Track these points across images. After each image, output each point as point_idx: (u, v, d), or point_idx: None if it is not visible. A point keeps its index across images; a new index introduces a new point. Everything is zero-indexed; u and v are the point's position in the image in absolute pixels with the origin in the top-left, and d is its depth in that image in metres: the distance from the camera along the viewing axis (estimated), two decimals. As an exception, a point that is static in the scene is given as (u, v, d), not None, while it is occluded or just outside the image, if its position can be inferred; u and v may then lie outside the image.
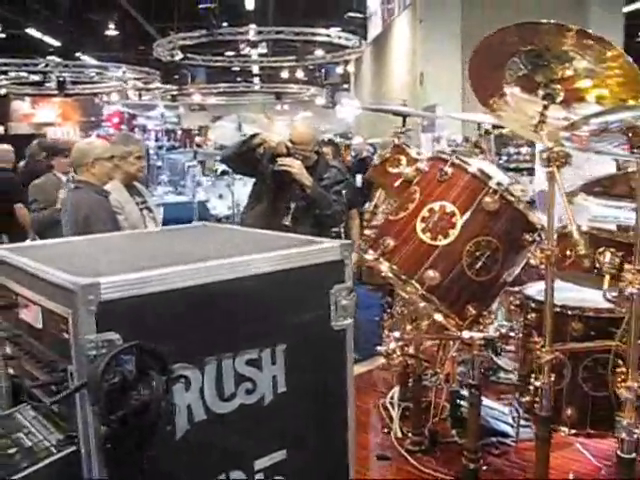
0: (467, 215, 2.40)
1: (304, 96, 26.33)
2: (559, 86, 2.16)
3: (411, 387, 3.43)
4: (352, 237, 5.53)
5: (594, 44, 1.98)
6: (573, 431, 2.61)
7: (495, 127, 6.56)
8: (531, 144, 7.53)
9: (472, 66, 2.33)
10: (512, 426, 3.33)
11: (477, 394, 2.54)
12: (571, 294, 2.62)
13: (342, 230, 5.41)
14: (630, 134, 1.75)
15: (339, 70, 22.06)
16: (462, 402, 3.47)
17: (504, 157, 8.15)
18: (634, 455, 1.91)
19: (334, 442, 1.80)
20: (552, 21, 1.97)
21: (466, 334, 2.44)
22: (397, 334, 3.26)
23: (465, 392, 3.51)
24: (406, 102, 5.37)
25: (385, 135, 13.65)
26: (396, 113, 3.47)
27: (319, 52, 20.02)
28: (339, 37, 18.08)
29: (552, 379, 2.13)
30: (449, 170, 2.48)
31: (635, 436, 1.89)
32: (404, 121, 3.38)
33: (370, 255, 2.53)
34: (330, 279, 1.75)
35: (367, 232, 2.69)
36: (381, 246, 2.49)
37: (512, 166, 7.81)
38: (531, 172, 7.06)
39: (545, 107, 2.15)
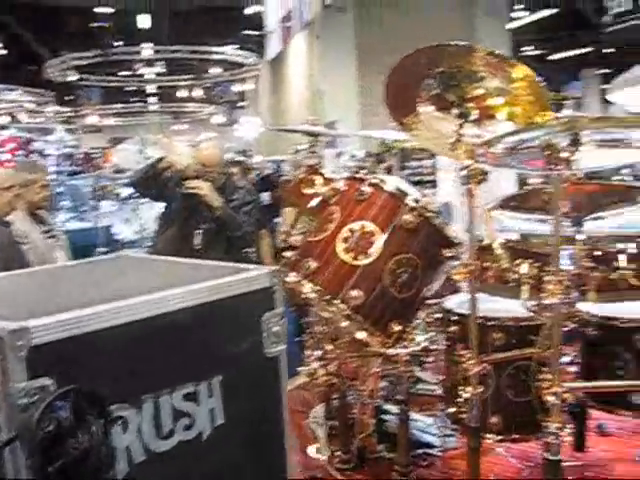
0: (387, 233, 2.43)
1: (202, 115, 26.16)
2: (472, 104, 2.22)
3: (336, 405, 3.44)
4: (263, 257, 5.51)
5: (502, 64, 2.06)
6: (499, 437, 2.68)
7: (396, 142, 6.72)
8: (432, 157, 7.74)
9: (388, 86, 2.37)
10: (437, 436, 3.40)
11: (405, 409, 2.56)
12: (489, 305, 2.68)
13: (253, 251, 5.38)
14: (547, 151, 1.81)
15: (237, 88, 22.05)
16: (387, 417, 3.51)
17: (408, 171, 8.34)
18: (560, 457, 1.97)
19: (273, 469, 1.78)
20: (462, 43, 2.04)
21: (392, 351, 2.46)
22: (319, 353, 3.28)
23: (389, 407, 3.56)
24: (317, 121, 5.39)
25: (284, 153, 13.75)
26: (308, 133, 3.47)
27: (216, 70, 19.96)
28: (236, 55, 18.08)
29: (481, 390, 2.17)
30: (367, 189, 2.51)
31: (561, 439, 1.95)
32: (316, 140, 3.39)
33: (292, 277, 2.52)
34: (261, 307, 1.73)
35: (287, 254, 2.67)
36: (303, 268, 2.48)
37: (416, 179, 8.01)
38: (434, 184, 7.24)
39: (460, 125, 2.21)
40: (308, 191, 2.96)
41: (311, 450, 3.41)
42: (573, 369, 2.62)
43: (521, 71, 2.07)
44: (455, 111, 2.27)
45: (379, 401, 3.53)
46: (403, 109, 2.44)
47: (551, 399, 1.93)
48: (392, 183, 2.56)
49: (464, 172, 2.09)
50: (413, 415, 3.46)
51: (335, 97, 15.84)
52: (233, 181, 4.87)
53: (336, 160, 10.32)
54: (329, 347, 3.22)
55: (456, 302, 2.93)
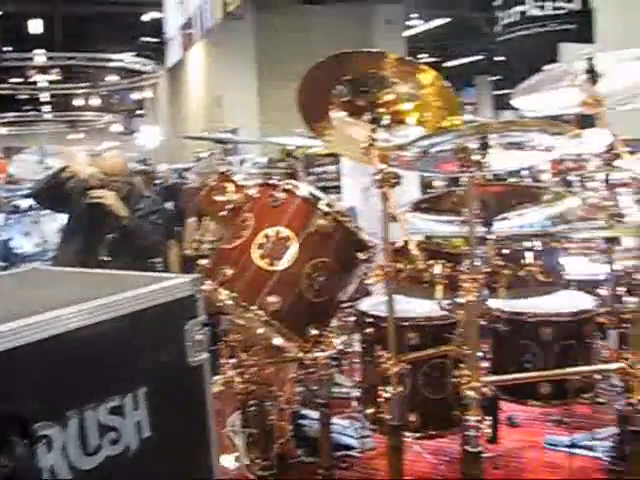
0: (302, 238, 2.44)
1: (99, 124, 25.52)
2: (383, 110, 2.26)
3: (253, 412, 3.42)
4: (171, 267, 5.44)
5: (412, 70, 2.11)
6: (417, 435, 2.74)
7: (300, 148, 6.74)
8: (336, 162, 7.81)
9: (299, 93, 2.39)
10: (355, 438, 3.44)
11: (326, 412, 2.58)
12: (403, 306, 2.73)
13: (160, 261, 5.30)
14: (460, 154, 1.87)
15: (135, 96, 21.63)
16: (304, 422, 3.53)
17: (312, 176, 8.37)
18: (480, 448, 2.04)
19: (201, 477, 1.76)
20: (373, 49, 2.08)
21: (311, 355, 2.48)
22: (234, 361, 3.26)
23: (306, 411, 3.58)
24: (237, 129, 5.38)
25: (184, 161, 13.56)
26: (216, 141, 3.45)
27: (114, 78, 19.52)
28: (134, 62, 17.72)
29: (401, 389, 2.22)
30: (280, 195, 2.52)
31: (480, 432, 2.01)
32: (224, 147, 3.38)
33: (208, 285, 2.49)
34: (183, 315, 1.72)
35: (201, 262, 2.64)
36: (219, 275, 2.46)
37: (320, 185, 8.05)
38: (338, 189, 7.30)
39: (372, 130, 2.25)
40: (220, 198, 2.93)
41: (229, 459, 3.38)
42: (485, 364, 2.71)
43: (430, 77, 2.13)
44: (367, 116, 2.31)
45: (296, 406, 3.54)
46: (315, 115, 2.46)
47: (470, 394, 1.98)
48: (305, 188, 2.57)
49: (378, 176, 2.12)
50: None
51: (235, 105, 15.81)
52: (137, 190, 4.80)
53: (239, 167, 10.28)
54: (244, 355, 3.22)
55: (370, 304, 2.99)
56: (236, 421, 3.60)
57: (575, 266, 2.94)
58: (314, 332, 2.46)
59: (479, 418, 2.00)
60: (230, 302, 2.45)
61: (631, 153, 2.66)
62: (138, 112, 24.41)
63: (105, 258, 4.30)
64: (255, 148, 12.39)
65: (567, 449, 3.17)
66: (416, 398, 2.62)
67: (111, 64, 17.73)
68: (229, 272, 2.45)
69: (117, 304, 1.54)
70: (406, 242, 2.21)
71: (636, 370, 2.03)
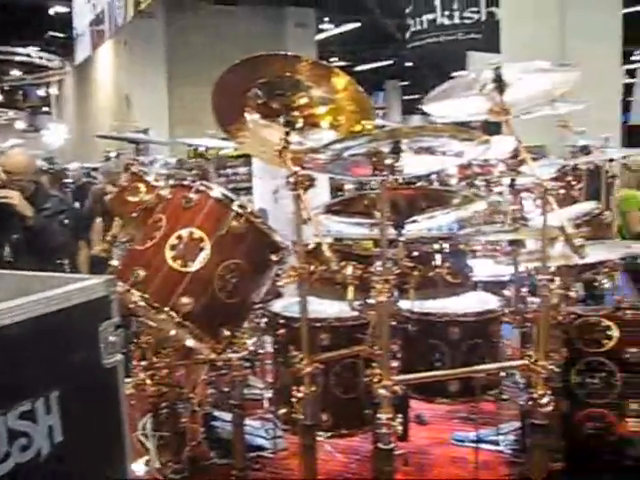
0: (215, 240, 2.43)
1: (2, 120, 24.57)
2: (297, 113, 2.29)
3: (165, 415, 3.38)
4: (80, 268, 5.30)
5: (326, 74, 2.15)
6: (329, 434, 2.78)
7: (210, 149, 6.68)
8: (247, 164, 7.80)
9: (214, 95, 2.39)
10: (267, 439, 3.45)
11: (240, 413, 2.58)
12: (314, 307, 2.76)
13: (68, 262, 5.15)
14: (374, 158, 1.91)
15: (40, 92, 20.93)
16: (216, 423, 3.52)
17: (223, 178, 8.32)
18: (392, 445, 2.09)
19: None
20: (289, 53, 2.10)
21: (224, 356, 2.48)
22: (145, 363, 3.22)
23: (218, 413, 3.57)
24: (148, 130, 5.29)
25: (91, 159, 13.21)
26: (131, 141, 3.41)
27: (18, 72, 18.82)
28: (40, 57, 17.13)
29: (313, 389, 2.24)
30: (194, 196, 2.50)
31: (392, 429, 2.06)
32: (137, 149, 3.34)
33: (120, 287, 2.45)
34: (97, 317, 1.68)
35: (113, 263, 2.59)
36: (131, 277, 2.43)
37: (231, 186, 8.02)
38: (249, 191, 7.29)
39: (286, 133, 2.27)
40: (132, 199, 2.90)
41: (140, 463, 3.34)
42: (395, 364, 2.78)
43: (343, 81, 2.17)
44: (281, 119, 2.32)
45: (208, 408, 3.53)
46: (229, 117, 2.46)
47: (382, 392, 2.03)
48: (218, 189, 2.57)
49: (291, 179, 2.14)
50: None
51: (144, 104, 15.54)
52: (44, 189, 4.68)
53: (149, 167, 10.10)
54: (155, 357, 3.18)
55: (282, 305, 3.01)
56: (147, 424, 3.55)
57: (481, 268, 3.05)
58: (227, 333, 2.46)
59: (390, 416, 2.04)
60: (142, 304, 2.43)
61: (534, 159, 2.78)
62: (43, 109, 23.64)
63: (8, 259, 4.18)
64: (165, 149, 12.20)
65: (473, 444, 3.29)
66: (328, 398, 2.65)
67: (16, 58, 17.07)
68: (141, 273, 2.42)
69: (28, 306, 1.49)
70: (318, 244, 2.23)
71: (537, 367, 2.12)
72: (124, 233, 3.36)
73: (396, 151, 2.01)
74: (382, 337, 2.06)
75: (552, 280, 2.09)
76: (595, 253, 2.48)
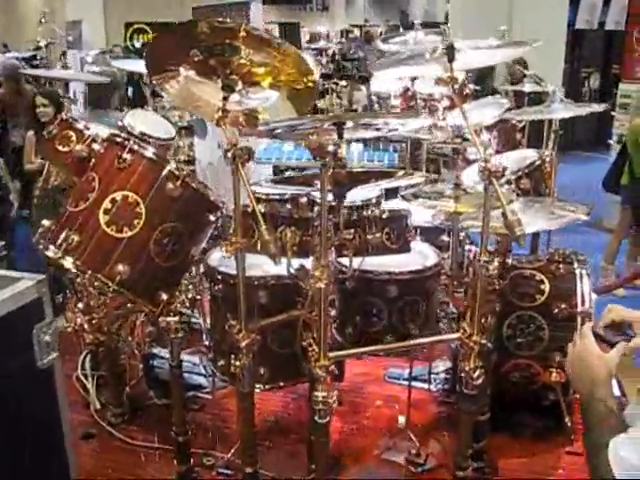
0: (151, 203, 2.36)
1: None
2: (236, 77, 2.19)
3: (103, 356, 3.38)
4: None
5: (264, 42, 2.07)
6: (267, 386, 2.84)
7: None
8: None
9: (150, 49, 2.30)
10: (205, 376, 3.50)
11: (178, 373, 2.60)
12: (251, 261, 2.74)
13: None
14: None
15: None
16: (155, 362, 3.55)
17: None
18: (328, 419, 2.14)
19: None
20: (227, 20, 2.02)
21: (162, 321, 2.46)
22: (81, 305, 3.19)
23: (157, 350, 3.59)
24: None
25: (21, 49, 12.45)
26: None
27: None
28: None
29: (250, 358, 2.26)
30: (127, 157, 2.40)
31: (328, 405, 2.10)
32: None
33: (52, 252, 2.38)
34: (30, 320, 1.65)
35: (45, 222, 2.50)
36: (64, 242, 2.35)
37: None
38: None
39: (225, 99, 2.18)
40: (63, 149, 2.77)
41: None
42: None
43: (283, 50, 2.11)
44: (219, 83, 2.23)
45: (146, 348, 3.53)
46: (163, 65, 2.33)
47: (319, 372, 2.06)
48: (151, 149, 2.47)
49: (230, 153, 2.07)
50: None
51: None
52: None
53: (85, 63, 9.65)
54: (92, 301, 3.15)
55: (219, 259, 2.97)
56: (86, 362, 3.56)
57: (421, 214, 3.04)
58: (164, 297, 2.44)
59: (326, 394, 2.08)
60: (75, 271, 2.38)
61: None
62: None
63: None
64: (98, 41, 11.70)
65: (406, 382, 3.40)
66: (265, 353, 2.67)
67: None
68: (75, 238, 2.35)
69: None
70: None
71: (471, 341, 2.17)
72: (57, 177, 3.26)
73: (340, 136, 1.96)
74: (320, 317, 2.07)
75: (491, 261, 2.11)
76: (533, 224, 2.51)
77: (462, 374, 2.23)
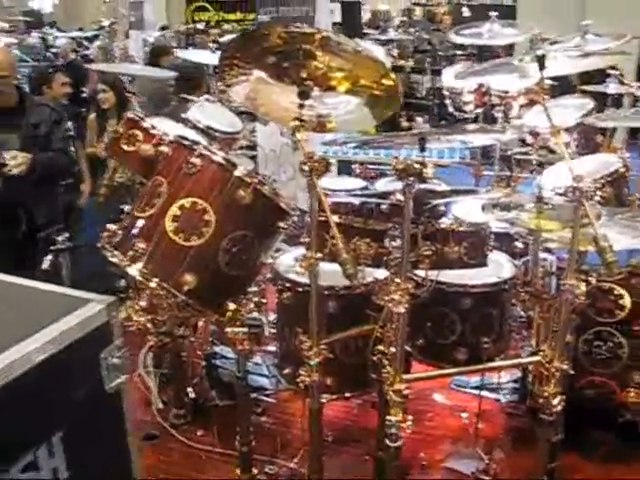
0: (220, 211, 2.29)
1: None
2: (311, 82, 2.10)
3: (165, 354, 3.34)
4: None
5: (340, 45, 1.97)
6: (334, 396, 2.75)
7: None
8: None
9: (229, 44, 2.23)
10: (269, 377, 3.44)
11: (244, 384, 2.53)
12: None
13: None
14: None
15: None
16: (218, 362, 3.50)
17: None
18: (400, 443, 2.05)
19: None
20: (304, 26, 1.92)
21: (230, 331, 2.39)
22: (144, 304, 3.14)
23: (219, 349, 3.54)
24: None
25: (88, 27, 12.54)
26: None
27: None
28: None
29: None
30: (196, 161, 2.33)
31: (401, 431, 2.02)
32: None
33: (117, 259, 2.33)
34: (99, 345, 1.59)
35: (111, 227, 2.44)
36: (131, 250, 2.30)
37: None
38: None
39: (301, 106, 2.09)
40: (130, 148, 2.71)
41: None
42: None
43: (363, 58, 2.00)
44: (292, 87, 2.13)
45: (209, 347, 3.49)
46: (234, 67, 2.25)
47: (393, 397, 1.97)
48: (220, 153, 2.40)
49: (306, 166, 1.97)
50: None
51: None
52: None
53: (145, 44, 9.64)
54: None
55: (287, 264, 2.90)
56: (148, 360, 3.53)
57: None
58: (232, 306, 2.37)
59: (400, 418, 1.99)
60: (140, 279, 2.32)
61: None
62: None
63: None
64: (159, 20, 11.68)
65: (472, 390, 3.30)
66: (332, 363, 2.58)
67: None
68: (141, 246, 2.29)
69: (25, 357, 1.38)
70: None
71: (552, 367, 2.05)
72: (121, 173, 3.20)
73: (422, 149, 1.84)
74: (396, 339, 1.97)
75: (578, 285, 1.99)
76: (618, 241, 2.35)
77: (541, 400, 2.12)
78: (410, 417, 2.04)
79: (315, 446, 2.39)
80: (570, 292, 1.99)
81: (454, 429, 3.20)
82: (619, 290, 2.77)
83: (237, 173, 2.31)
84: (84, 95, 7.07)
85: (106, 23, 10.97)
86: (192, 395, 3.30)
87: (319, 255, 2.10)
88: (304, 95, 2.14)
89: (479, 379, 3.33)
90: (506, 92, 3.76)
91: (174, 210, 2.30)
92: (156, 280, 2.27)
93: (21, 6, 16.14)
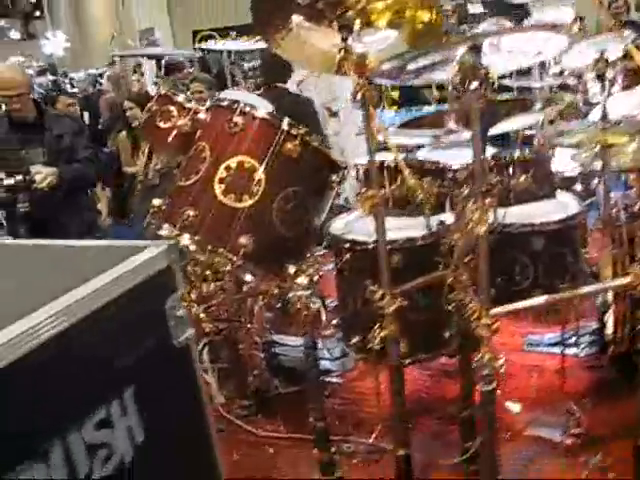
0: (270, 167, 2.15)
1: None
2: (354, 13, 1.95)
3: (222, 347, 3.21)
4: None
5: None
6: (408, 361, 2.58)
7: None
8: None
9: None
10: (332, 360, 3.29)
11: (312, 352, 2.37)
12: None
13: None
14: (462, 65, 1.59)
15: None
16: (277, 350, 3.36)
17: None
18: (494, 385, 1.88)
19: (206, 471, 1.56)
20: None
21: (292, 294, 2.24)
22: (194, 295, 3.01)
23: (277, 337, 3.40)
24: (153, 29, 4.91)
25: (97, 65, 12.65)
26: (152, 57, 3.07)
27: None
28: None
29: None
30: (238, 120, 2.20)
31: (495, 370, 1.84)
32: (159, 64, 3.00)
33: (167, 230, 2.21)
34: (162, 292, 1.45)
35: (155, 202, 2.32)
36: (179, 219, 2.17)
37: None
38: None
39: (344, 39, 1.94)
40: (165, 125, 2.59)
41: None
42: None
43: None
44: (334, 23, 1.99)
45: (267, 335, 3.35)
46: (272, 23, 2.12)
47: (482, 332, 1.80)
48: (263, 108, 2.27)
49: (359, 94, 1.84)
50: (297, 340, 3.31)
51: (143, 2, 14.75)
52: (49, 112, 4.23)
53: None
54: (205, 287, 2.97)
55: (342, 227, 2.76)
56: (204, 355, 3.39)
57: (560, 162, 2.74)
58: (292, 269, 2.22)
59: (492, 356, 1.82)
60: (194, 248, 2.18)
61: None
62: (36, 14, 22.61)
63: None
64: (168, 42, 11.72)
65: (547, 348, 3.11)
66: (404, 323, 2.42)
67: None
68: (191, 213, 2.17)
69: (89, 298, 1.25)
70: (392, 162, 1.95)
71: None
72: (159, 161, 3.09)
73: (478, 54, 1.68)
74: (479, 265, 1.79)
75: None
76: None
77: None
78: (503, 354, 1.86)
79: (398, 411, 2.22)
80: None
81: (535, 391, 3.00)
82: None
83: (283, 126, 2.18)
84: (100, 127, 7.03)
85: (117, 57, 11.03)
86: (254, 386, 3.15)
87: (381, 193, 1.95)
88: (346, 28, 2.00)
89: (553, 335, 3.17)
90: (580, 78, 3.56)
91: (221, 172, 2.17)
92: (210, 246, 2.14)
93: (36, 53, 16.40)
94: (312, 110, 4.49)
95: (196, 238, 2.15)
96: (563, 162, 2.76)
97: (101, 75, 12.23)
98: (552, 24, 3.34)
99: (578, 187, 3.02)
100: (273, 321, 3.37)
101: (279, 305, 3.13)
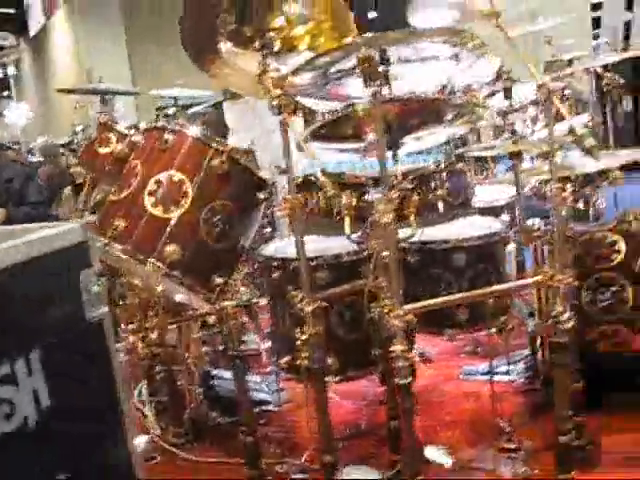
0: (197, 181, 2.26)
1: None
2: (273, 34, 2.10)
3: (160, 379, 3.22)
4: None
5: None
6: (337, 378, 2.62)
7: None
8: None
9: (183, 34, 2.20)
10: (268, 393, 3.31)
11: (242, 364, 2.41)
12: (310, 246, 2.60)
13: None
14: (365, 64, 1.71)
15: (-3, 73, 20.39)
16: (214, 382, 3.37)
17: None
18: (410, 379, 1.95)
19: (115, 445, 1.58)
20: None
21: (219, 305, 2.31)
22: (134, 326, 3.04)
23: (215, 371, 3.42)
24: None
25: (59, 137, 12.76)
26: (96, 92, 3.20)
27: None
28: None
29: (318, 329, 2.08)
30: (169, 137, 2.32)
31: (408, 362, 1.91)
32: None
33: (99, 241, 2.27)
34: (76, 265, 1.51)
35: (90, 218, 2.41)
36: (110, 229, 2.25)
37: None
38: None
39: (264, 56, 2.08)
40: (104, 150, 2.70)
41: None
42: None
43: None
44: (256, 43, 2.13)
45: (204, 367, 3.37)
46: (200, 49, 2.26)
47: (395, 323, 1.87)
48: (195, 128, 2.39)
49: (275, 102, 1.96)
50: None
51: (106, 75, 15.01)
52: (5, 157, 4.37)
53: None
54: (144, 319, 3.01)
55: (274, 248, 2.84)
56: (143, 390, 3.40)
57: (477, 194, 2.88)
58: (219, 280, 2.30)
59: (405, 348, 1.89)
60: (125, 257, 2.25)
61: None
62: (3, 93, 22.95)
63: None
64: (130, 114, 11.88)
65: (485, 376, 3.17)
66: (332, 340, 2.48)
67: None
68: (121, 224, 2.25)
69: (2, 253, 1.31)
70: (309, 175, 2.07)
71: (554, 281, 1.97)
72: (97, 190, 3.17)
73: (384, 61, 1.81)
74: (389, 265, 1.89)
75: (564, 189, 1.94)
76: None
77: (550, 321, 2.03)
78: (416, 347, 1.93)
79: (323, 419, 2.25)
80: (557, 197, 1.93)
81: (470, 414, 3.05)
82: (612, 236, 2.72)
83: (212, 144, 2.30)
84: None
85: (79, 128, 11.15)
86: (190, 417, 3.15)
87: (299, 198, 2.05)
88: (266, 48, 2.14)
89: (487, 365, 3.24)
90: (469, 86, 3.74)
91: (151, 185, 2.27)
92: (140, 255, 2.21)
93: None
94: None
95: (126, 247, 2.22)
96: (488, 193, 2.90)
97: (63, 145, 12.34)
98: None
99: (504, 217, 3.15)
100: (210, 354, 3.40)
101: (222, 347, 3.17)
